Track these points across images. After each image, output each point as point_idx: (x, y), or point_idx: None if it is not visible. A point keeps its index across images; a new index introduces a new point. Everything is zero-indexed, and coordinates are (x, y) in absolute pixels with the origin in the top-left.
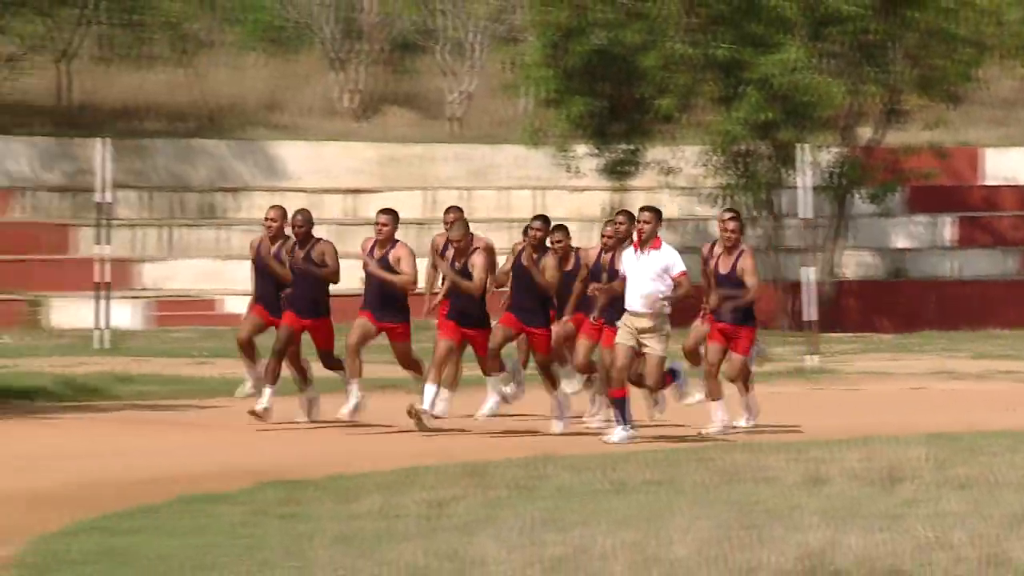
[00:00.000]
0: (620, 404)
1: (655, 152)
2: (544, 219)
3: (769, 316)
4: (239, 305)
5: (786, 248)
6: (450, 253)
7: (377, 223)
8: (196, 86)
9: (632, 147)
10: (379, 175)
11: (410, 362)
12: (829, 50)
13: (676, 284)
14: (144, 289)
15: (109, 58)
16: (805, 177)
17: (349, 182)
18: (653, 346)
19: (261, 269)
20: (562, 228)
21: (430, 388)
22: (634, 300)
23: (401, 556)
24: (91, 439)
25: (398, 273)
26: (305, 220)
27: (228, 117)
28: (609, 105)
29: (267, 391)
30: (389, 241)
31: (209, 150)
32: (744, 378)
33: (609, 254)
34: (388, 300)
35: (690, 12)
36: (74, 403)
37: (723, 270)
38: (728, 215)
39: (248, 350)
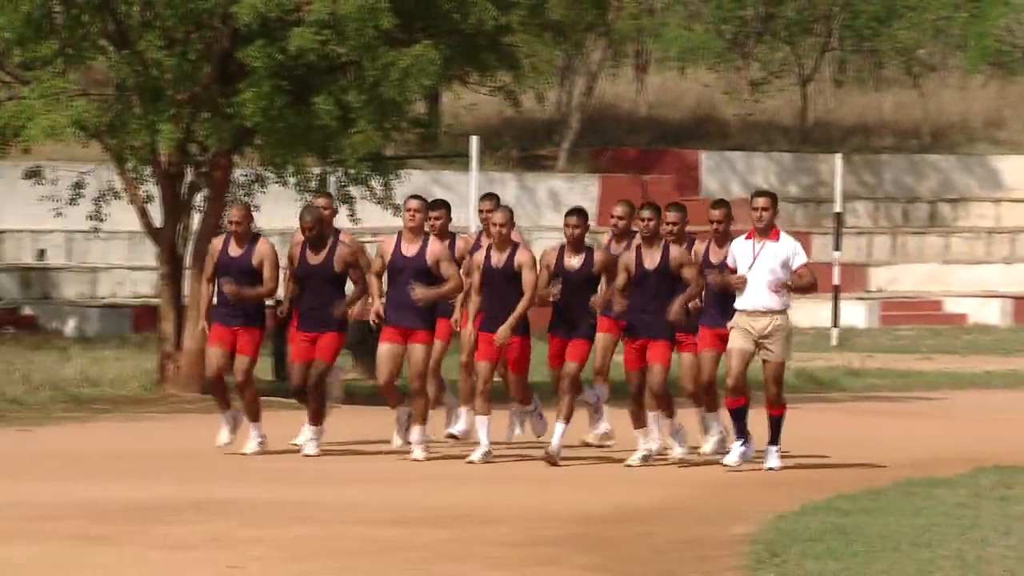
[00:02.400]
0: (739, 415)
1: None
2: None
3: None
4: (961, 306)
5: None
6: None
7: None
8: (924, 106)
9: None
10: None
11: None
12: None
13: (798, 276)
14: (873, 291)
15: (844, 81)
16: None
17: None
18: (775, 350)
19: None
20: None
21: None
22: (752, 298)
23: None
24: (823, 427)
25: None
26: (315, 220)
27: (953, 134)
28: None
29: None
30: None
31: (935, 164)
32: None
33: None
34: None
35: None
36: (809, 395)
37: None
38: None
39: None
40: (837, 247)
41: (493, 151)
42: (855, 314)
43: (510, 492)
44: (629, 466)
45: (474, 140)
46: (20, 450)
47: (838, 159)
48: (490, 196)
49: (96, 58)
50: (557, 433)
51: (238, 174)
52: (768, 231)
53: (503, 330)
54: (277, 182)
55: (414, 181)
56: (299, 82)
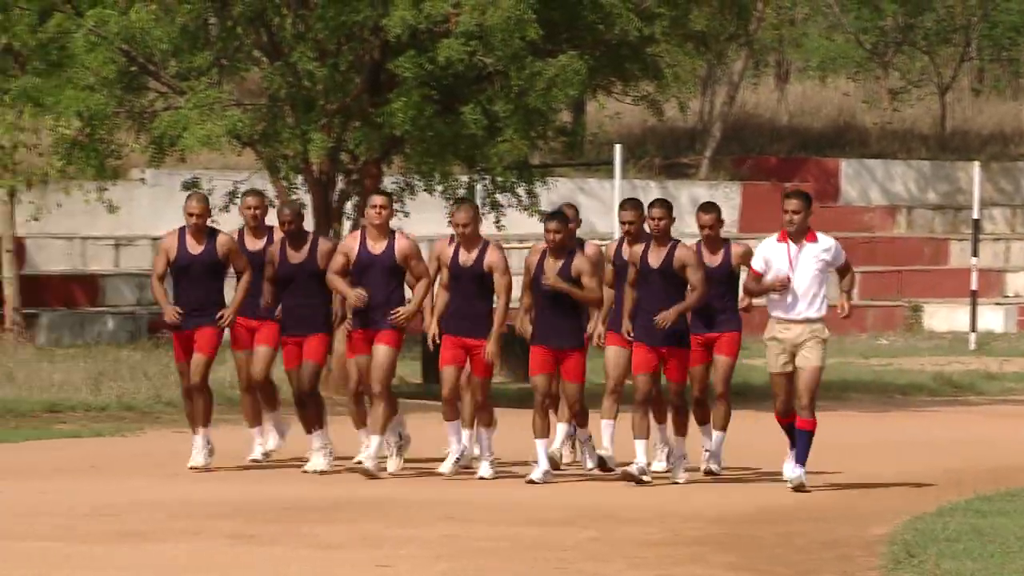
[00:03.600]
0: (791, 428)
1: None
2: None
3: None
4: None
5: None
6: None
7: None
8: None
9: None
10: None
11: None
12: None
13: (842, 274)
14: (1011, 296)
15: (982, 89)
16: None
17: None
18: (810, 355)
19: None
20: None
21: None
22: (791, 306)
23: None
24: (960, 429)
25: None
26: (295, 213)
27: None
28: None
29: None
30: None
31: None
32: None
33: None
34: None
35: None
36: (946, 398)
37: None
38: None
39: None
40: (975, 253)
41: (636, 159)
42: (992, 319)
43: (651, 492)
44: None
45: (618, 148)
46: (176, 451)
47: (976, 167)
48: (461, 200)
49: (250, 69)
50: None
51: (387, 182)
52: (803, 234)
53: (491, 348)
54: (425, 190)
55: (559, 189)
56: (447, 92)
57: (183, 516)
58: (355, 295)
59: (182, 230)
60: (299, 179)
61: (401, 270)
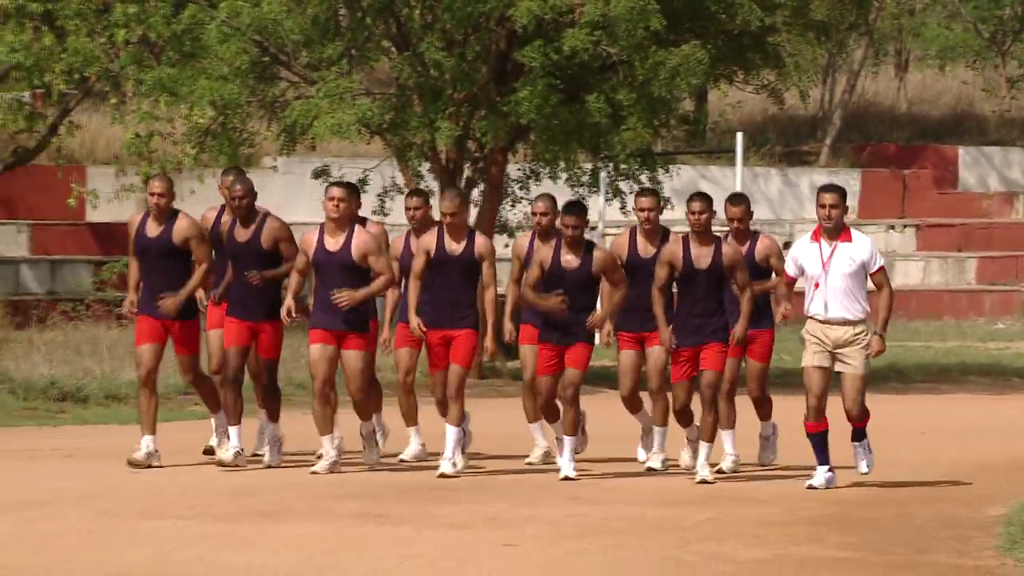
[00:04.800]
0: (820, 441)
1: None
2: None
3: None
4: None
5: None
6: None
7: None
8: None
9: None
10: None
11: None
12: None
13: (877, 285)
14: None
15: None
16: None
17: None
18: (854, 362)
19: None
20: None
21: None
22: (827, 306)
23: None
24: None
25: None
26: (247, 190)
27: None
28: None
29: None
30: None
31: None
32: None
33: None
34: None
35: None
36: None
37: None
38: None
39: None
40: None
41: (758, 147)
42: None
43: (766, 475)
44: (704, 481)
45: (739, 136)
46: (305, 432)
47: None
48: (417, 192)
49: (379, 59)
50: (566, 448)
51: (512, 169)
52: (838, 232)
53: (489, 343)
54: (550, 177)
55: (682, 176)
56: (572, 81)
57: (311, 496)
58: (286, 304)
59: (146, 211)
60: (426, 166)
61: (360, 269)
